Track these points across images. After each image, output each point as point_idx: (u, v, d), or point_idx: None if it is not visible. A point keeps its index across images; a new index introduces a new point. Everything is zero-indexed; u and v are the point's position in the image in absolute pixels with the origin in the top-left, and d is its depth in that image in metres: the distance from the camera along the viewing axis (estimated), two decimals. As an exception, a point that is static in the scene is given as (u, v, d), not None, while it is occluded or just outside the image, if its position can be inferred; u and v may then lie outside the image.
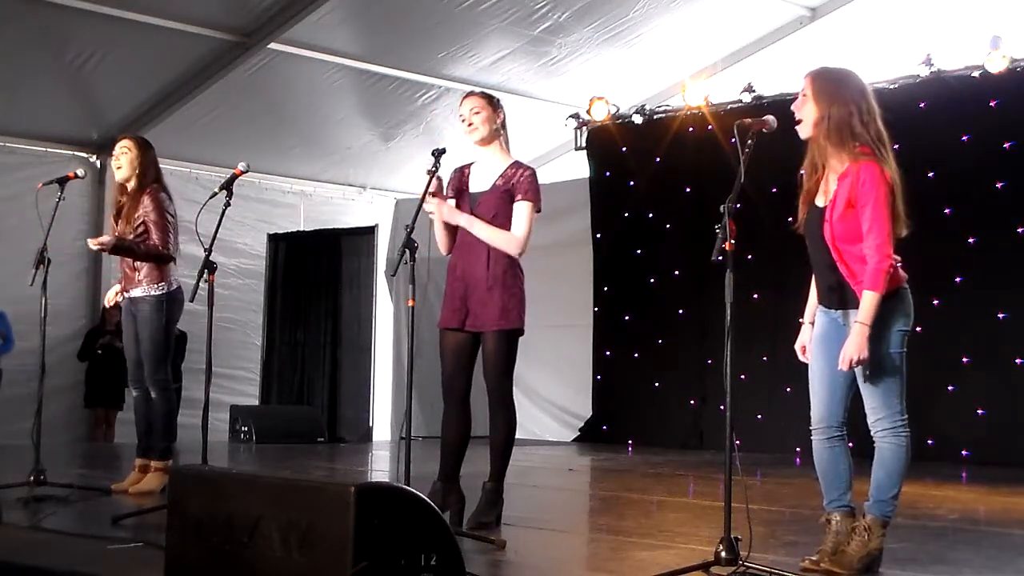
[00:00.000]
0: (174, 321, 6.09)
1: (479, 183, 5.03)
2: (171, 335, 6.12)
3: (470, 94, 5.12)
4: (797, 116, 4.09)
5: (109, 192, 11.45)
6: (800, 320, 4.29)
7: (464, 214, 4.92)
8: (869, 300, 3.85)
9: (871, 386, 3.95)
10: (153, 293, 6.02)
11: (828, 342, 4.06)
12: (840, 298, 4.01)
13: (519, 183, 4.95)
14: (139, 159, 6.10)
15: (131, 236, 6.01)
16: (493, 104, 5.04)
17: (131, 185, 6.12)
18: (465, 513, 4.91)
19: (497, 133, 5.02)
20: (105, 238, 5.97)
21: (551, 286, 11.84)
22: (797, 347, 4.23)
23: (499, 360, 4.88)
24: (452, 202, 5.03)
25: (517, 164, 5.03)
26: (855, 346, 3.84)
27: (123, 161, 6.10)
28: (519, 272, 4.99)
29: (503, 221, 4.92)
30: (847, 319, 3.98)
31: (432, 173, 4.79)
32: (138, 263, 6.02)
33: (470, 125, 4.98)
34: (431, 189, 4.81)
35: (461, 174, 5.09)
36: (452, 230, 4.99)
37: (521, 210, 4.93)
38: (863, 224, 3.89)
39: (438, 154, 4.76)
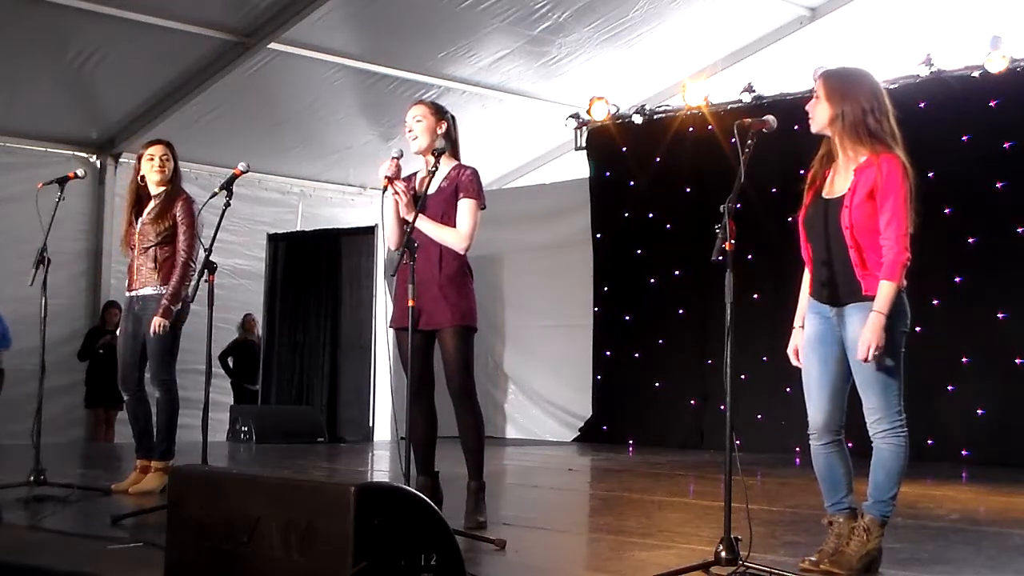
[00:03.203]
0: (181, 322, 6.10)
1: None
2: (178, 336, 6.12)
3: (417, 102, 5.24)
4: (810, 116, 4.09)
5: (109, 192, 11.49)
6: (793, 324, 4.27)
7: (413, 211, 4.98)
8: (886, 290, 3.84)
9: (870, 387, 3.94)
10: (164, 292, 6.03)
11: (822, 345, 4.05)
12: (837, 293, 3.99)
13: (462, 182, 5.04)
14: (174, 167, 6.25)
15: (154, 236, 6.06)
16: (437, 113, 5.13)
17: (161, 188, 6.18)
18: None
19: (440, 141, 5.06)
20: (158, 320, 5.96)
21: (551, 286, 11.90)
22: (789, 351, 4.21)
23: (459, 357, 4.95)
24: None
25: (459, 165, 5.13)
26: (874, 334, 3.80)
27: (167, 167, 6.20)
28: (469, 272, 5.08)
29: (450, 222, 5.02)
30: (841, 318, 3.98)
31: (395, 159, 4.93)
32: (158, 262, 6.04)
33: (410, 131, 5.11)
34: (388, 173, 4.92)
35: (409, 182, 5.14)
36: (404, 225, 5.04)
37: (464, 207, 5.01)
38: (883, 216, 3.88)
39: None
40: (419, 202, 4.94)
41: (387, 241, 5.21)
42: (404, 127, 5.16)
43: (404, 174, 5.06)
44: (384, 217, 5.09)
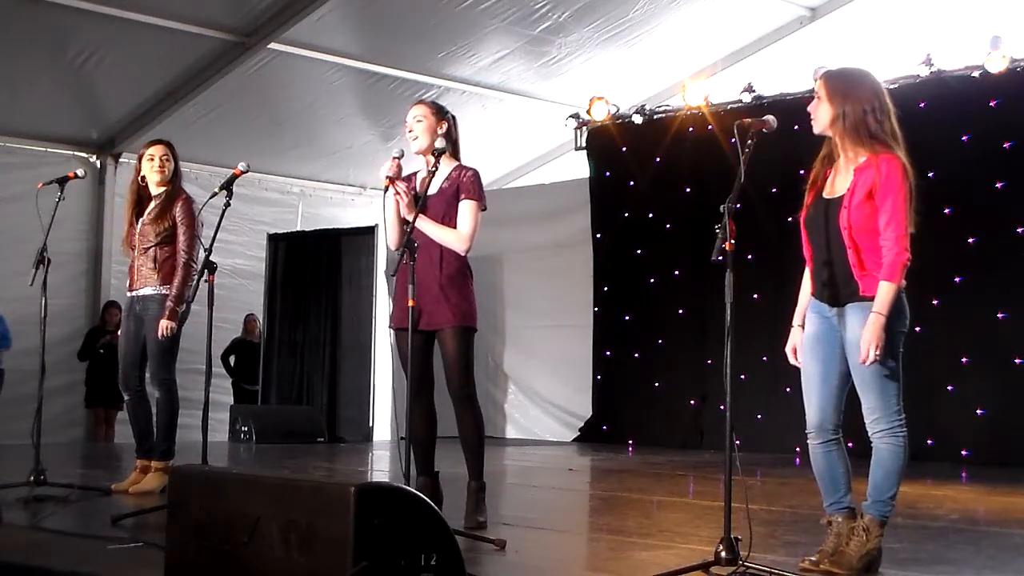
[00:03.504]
0: (182, 322, 6.10)
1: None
2: (178, 336, 6.12)
3: (417, 102, 5.24)
4: (812, 117, 4.09)
5: (109, 192, 11.49)
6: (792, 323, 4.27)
7: (413, 211, 4.98)
8: (886, 291, 3.84)
9: (868, 387, 3.94)
10: (165, 292, 6.03)
11: (821, 344, 4.05)
12: (838, 294, 3.99)
13: (463, 183, 5.05)
14: (174, 168, 6.25)
15: (154, 237, 6.07)
16: (437, 113, 5.13)
17: (161, 189, 6.18)
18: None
19: (440, 142, 5.05)
20: (165, 323, 5.96)
21: (551, 286, 11.90)
22: (788, 350, 4.21)
23: (459, 358, 4.96)
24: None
25: (460, 166, 5.13)
26: (874, 335, 3.79)
27: (167, 168, 6.20)
28: (469, 273, 5.09)
29: (451, 223, 5.02)
30: (841, 318, 3.98)
31: (396, 159, 4.94)
32: (158, 263, 6.05)
33: (410, 131, 5.11)
34: (389, 173, 4.92)
35: (409, 182, 5.15)
36: (405, 225, 5.05)
37: (465, 208, 5.02)
38: (882, 216, 3.88)
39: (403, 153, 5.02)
40: (419, 202, 4.94)
41: (388, 241, 5.22)
42: (404, 127, 5.17)
43: (404, 174, 5.06)
44: (385, 217, 5.10)
